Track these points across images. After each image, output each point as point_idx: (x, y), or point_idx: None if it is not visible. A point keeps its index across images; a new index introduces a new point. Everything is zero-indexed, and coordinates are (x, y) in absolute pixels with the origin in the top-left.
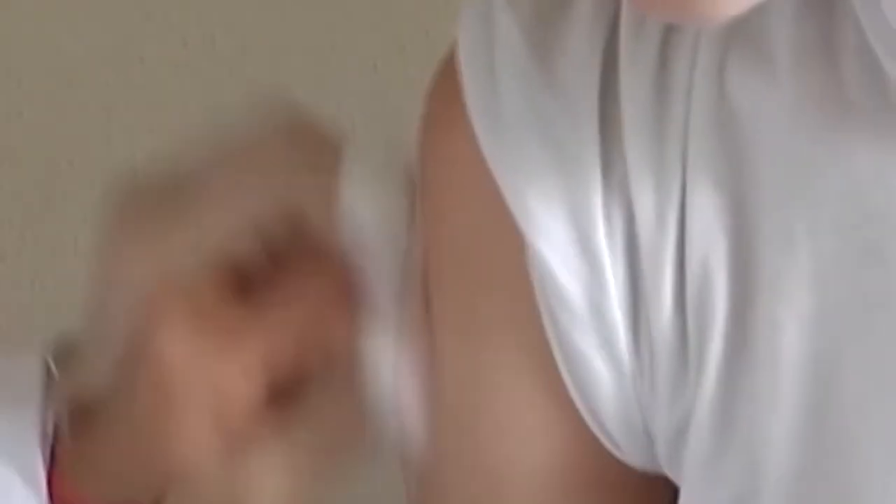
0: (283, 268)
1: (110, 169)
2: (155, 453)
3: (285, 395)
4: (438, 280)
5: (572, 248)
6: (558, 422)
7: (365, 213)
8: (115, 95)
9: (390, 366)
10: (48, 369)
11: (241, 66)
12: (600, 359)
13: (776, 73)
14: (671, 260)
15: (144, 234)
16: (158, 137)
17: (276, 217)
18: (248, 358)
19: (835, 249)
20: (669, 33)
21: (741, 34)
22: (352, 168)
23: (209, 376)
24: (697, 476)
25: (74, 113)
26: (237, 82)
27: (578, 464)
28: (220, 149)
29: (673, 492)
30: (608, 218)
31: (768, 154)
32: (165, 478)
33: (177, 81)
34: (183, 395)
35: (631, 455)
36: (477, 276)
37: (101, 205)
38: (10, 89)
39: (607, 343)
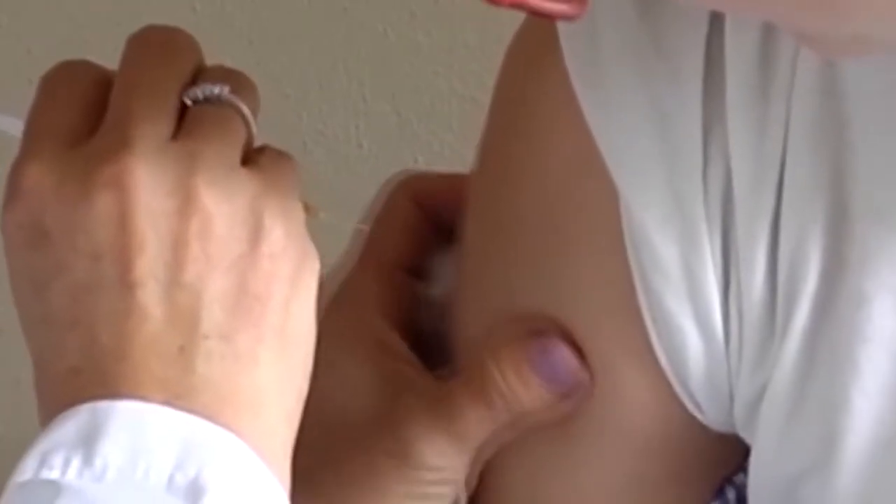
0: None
1: None
2: None
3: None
4: (517, 226)
5: (670, 210)
6: (639, 380)
7: None
8: None
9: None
10: None
11: (249, 31)
12: (692, 323)
13: None
14: (766, 228)
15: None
16: None
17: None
18: None
19: None
20: None
21: None
22: None
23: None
24: (770, 440)
25: None
26: (246, 48)
27: (657, 423)
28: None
29: (745, 452)
30: (707, 182)
31: (871, 127)
32: None
33: None
34: None
35: (711, 417)
36: (572, 228)
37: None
38: (19, 57)
39: (700, 308)
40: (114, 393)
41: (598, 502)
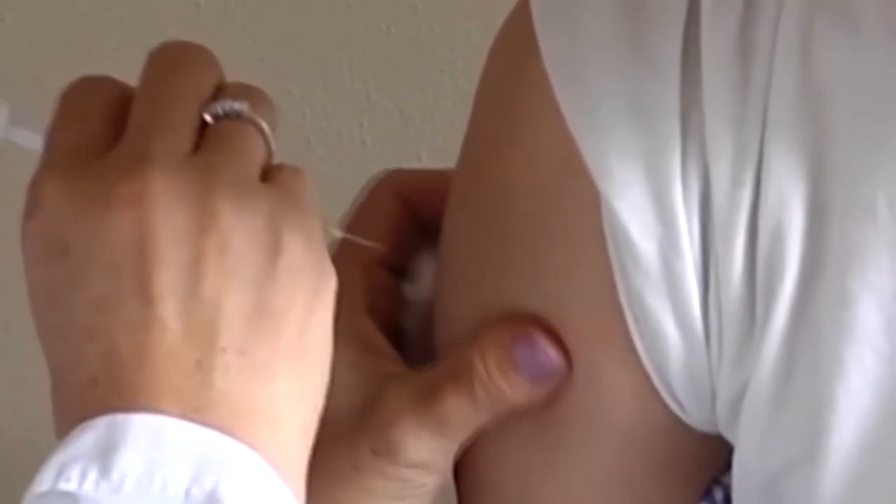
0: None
1: None
2: None
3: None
4: (500, 223)
5: (648, 207)
6: (623, 378)
7: None
8: (128, 58)
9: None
10: None
11: (253, 28)
12: (671, 320)
13: (863, 38)
14: (744, 223)
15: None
16: None
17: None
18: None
19: None
20: None
21: (828, 1)
22: None
23: None
24: (752, 438)
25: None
26: (250, 45)
27: (642, 421)
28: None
29: (729, 452)
30: (685, 178)
31: (850, 122)
32: None
33: None
34: None
35: (694, 416)
36: (550, 224)
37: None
38: (22, 52)
39: (679, 304)
40: (131, 405)
41: (584, 500)
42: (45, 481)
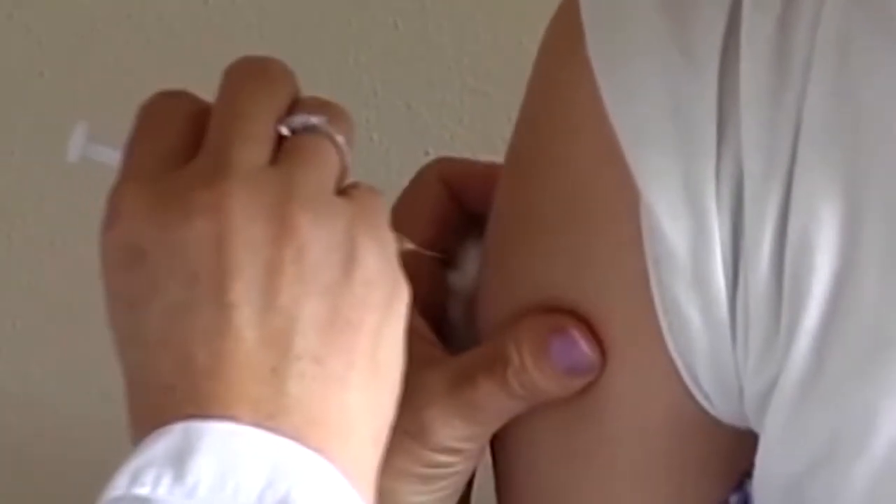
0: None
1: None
2: None
3: None
4: (539, 208)
5: (682, 202)
6: (653, 370)
7: None
8: (136, 54)
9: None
10: None
11: (260, 24)
12: (698, 314)
13: None
14: (772, 224)
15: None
16: None
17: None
18: None
19: None
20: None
21: (867, 3)
22: None
23: None
24: (775, 436)
25: (95, 73)
26: (257, 41)
27: (671, 413)
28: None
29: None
30: (719, 176)
31: (887, 126)
32: None
33: (196, 39)
34: None
35: (721, 409)
36: (588, 214)
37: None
38: (30, 49)
39: (707, 299)
40: (206, 411)
41: (615, 490)
42: (119, 486)
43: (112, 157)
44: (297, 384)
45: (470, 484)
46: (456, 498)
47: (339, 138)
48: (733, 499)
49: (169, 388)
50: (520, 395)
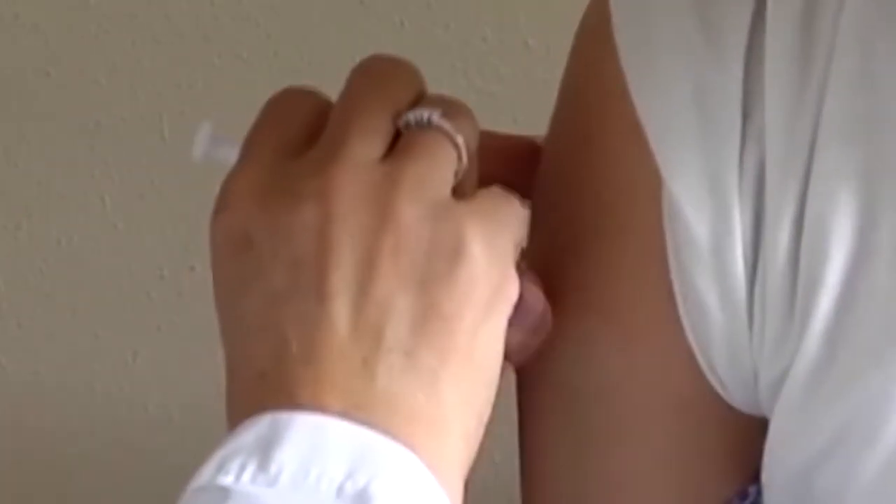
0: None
1: (137, 128)
2: None
3: None
4: (568, 196)
5: (705, 189)
6: (672, 356)
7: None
8: (142, 54)
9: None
10: None
11: (267, 24)
12: (717, 299)
13: None
14: (790, 213)
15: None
16: (185, 95)
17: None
18: None
19: None
20: None
21: None
22: None
23: None
24: (785, 425)
25: (101, 72)
26: (263, 40)
27: (687, 401)
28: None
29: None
30: (742, 163)
31: None
32: None
33: (203, 39)
34: None
35: (737, 397)
36: (613, 202)
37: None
38: (37, 48)
39: (725, 285)
40: (295, 400)
41: (636, 478)
42: (205, 475)
43: (233, 155)
44: (386, 376)
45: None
46: None
47: (452, 131)
48: (752, 489)
49: (261, 376)
50: None
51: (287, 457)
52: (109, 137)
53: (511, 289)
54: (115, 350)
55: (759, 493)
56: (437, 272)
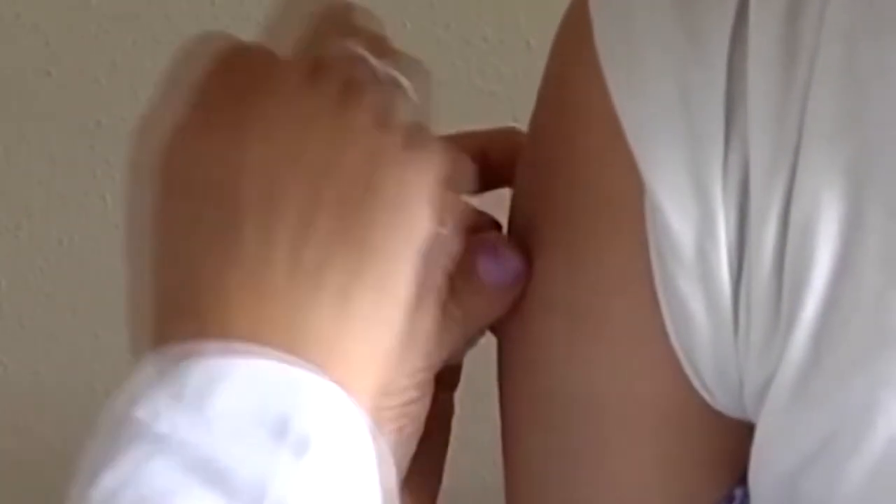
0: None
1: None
2: None
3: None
4: (547, 200)
5: (688, 194)
6: (657, 361)
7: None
8: (143, 54)
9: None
10: None
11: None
12: (701, 305)
13: None
14: (776, 216)
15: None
16: None
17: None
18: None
19: None
20: None
21: None
22: None
23: None
24: (770, 431)
25: (102, 72)
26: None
27: (675, 405)
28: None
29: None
30: (726, 168)
31: (890, 123)
32: None
33: None
34: None
35: (723, 402)
36: (594, 207)
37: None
38: (37, 48)
39: (710, 292)
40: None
41: (623, 485)
42: (117, 408)
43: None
44: (287, 295)
45: (444, 453)
46: (418, 436)
47: (382, 69)
48: (738, 492)
49: (192, 312)
50: (459, 320)
51: (221, 402)
52: (110, 137)
53: (425, 221)
54: (115, 350)
55: (745, 495)
56: (355, 199)
